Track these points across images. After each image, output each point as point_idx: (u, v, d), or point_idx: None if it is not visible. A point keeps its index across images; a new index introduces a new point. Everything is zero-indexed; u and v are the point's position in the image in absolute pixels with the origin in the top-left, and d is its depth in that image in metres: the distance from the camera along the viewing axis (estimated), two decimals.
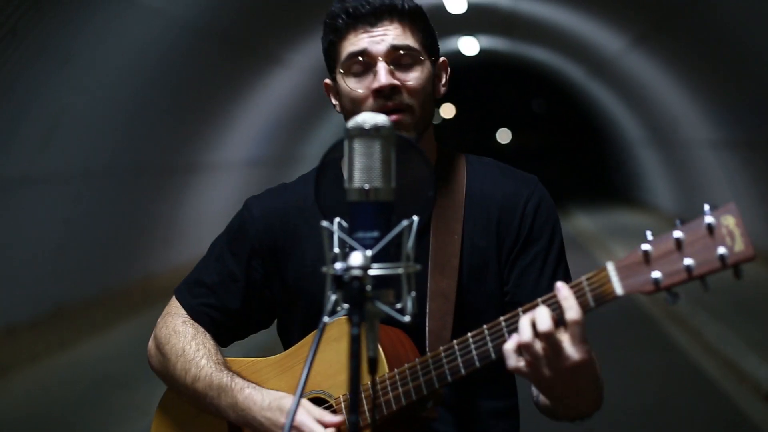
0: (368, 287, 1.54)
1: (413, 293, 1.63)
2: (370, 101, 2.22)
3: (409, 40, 2.23)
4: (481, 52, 22.53)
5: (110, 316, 10.45)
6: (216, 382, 2.24)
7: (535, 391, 2.19)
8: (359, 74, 2.24)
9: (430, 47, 2.29)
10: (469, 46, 21.14)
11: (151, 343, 2.41)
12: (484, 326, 2.02)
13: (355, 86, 2.23)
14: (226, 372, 2.26)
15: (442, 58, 2.34)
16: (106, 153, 10.36)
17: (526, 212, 2.28)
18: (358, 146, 1.62)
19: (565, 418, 2.13)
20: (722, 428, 6.80)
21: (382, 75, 2.20)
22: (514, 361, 1.91)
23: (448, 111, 49.39)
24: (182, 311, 2.39)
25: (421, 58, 2.24)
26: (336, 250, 1.62)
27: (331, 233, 1.63)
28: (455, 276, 2.23)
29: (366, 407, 2.09)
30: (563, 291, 1.90)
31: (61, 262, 9.89)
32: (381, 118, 1.65)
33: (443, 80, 2.34)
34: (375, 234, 1.59)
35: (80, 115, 9.44)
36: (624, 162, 23.46)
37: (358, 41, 2.22)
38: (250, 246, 2.34)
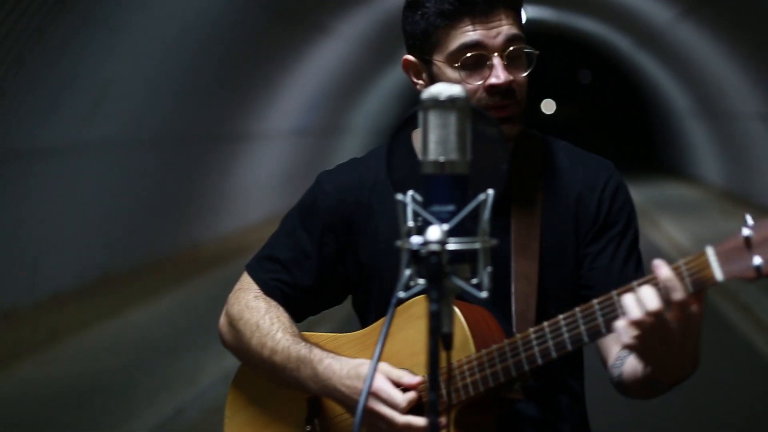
0: (445, 262, 1.51)
1: (489, 268, 1.60)
2: (480, 95, 2.17)
3: (519, 31, 2.17)
4: (527, 22, 22.34)
5: (157, 284, 10.51)
6: (294, 354, 2.22)
7: (616, 371, 2.15)
8: (470, 66, 2.16)
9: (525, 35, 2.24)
10: None
11: (222, 320, 2.37)
12: (576, 309, 1.98)
13: (465, 78, 2.16)
14: (303, 343, 2.23)
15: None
16: (154, 122, 10.39)
17: (604, 196, 2.23)
18: (433, 118, 1.58)
19: (659, 390, 2.11)
20: None
21: (501, 72, 2.14)
22: (626, 338, 1.88)
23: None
24: (254, 286, 2.35)
25: (527, 50, 2.19)
26: (410, 223, 1.59)
27: (406, 207, 1.60)
28: (536, 258, 2.19)
29: (458, 384, 2.07)
30: (663, 271, 1.86)
31: (109, 231, 9.95)
32: (456, 89, 1.61)
33: (530, 67, 2.28)
34: (451, 208, 1.56)
35: (128, 84, 9.47)
36: (671, 134, 23.28)
37: (472, 32, 2.14)
38: (322, 222, 2.30)
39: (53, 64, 7.89)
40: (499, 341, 2.07)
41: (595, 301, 1.97)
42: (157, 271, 10.81)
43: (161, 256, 11.02)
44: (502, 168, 1.71)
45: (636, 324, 1.87)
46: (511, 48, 2.16)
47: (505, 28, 2.15)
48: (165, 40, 9.73)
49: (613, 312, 1.94)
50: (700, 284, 1.86)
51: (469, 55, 2.15)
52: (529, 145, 2.29)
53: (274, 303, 2.32)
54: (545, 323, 2.02)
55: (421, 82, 2.25)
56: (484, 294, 1.57)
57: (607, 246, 2.22)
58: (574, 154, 2.31)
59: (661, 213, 15.92)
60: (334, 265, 2.31)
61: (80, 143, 9.02)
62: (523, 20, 2.24)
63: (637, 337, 1.88)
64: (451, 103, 1.59)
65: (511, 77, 2.16)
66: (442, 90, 1.60)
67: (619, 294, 1.92)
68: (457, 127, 1.58)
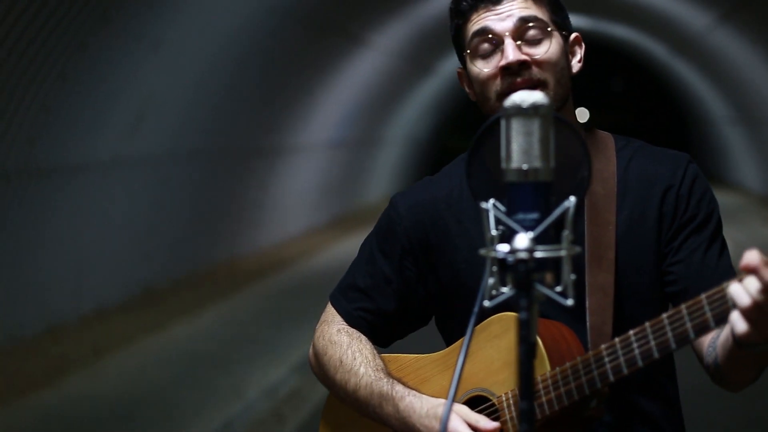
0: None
1: (573, 276, 1.59)
2: (498, 81, 2.16)
3: (536, 12, 2.17)
4: None
5: (199, 297, 10.54)
6: (377, 391, 2.23)
7: (710, 356, 2.10)
8: (486, 55, 2.17)
9: (559, 22, 2.21)
10: None
11: (310, 352, 2.40)
12: (646, 324, 1.95)
13: (482, 66, 2.17)
14: (385, 380, 2.24)
15: (574, 34, 2.26)
16: (194, 136, 10.44)
17: (681, 192, 2.21)
18: (516, 125, 1.58)
19: (749, 376, 2.07)
20: None
21: (510, 51, 2.14)
22: (741, 327, 1.82)
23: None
24: (338, 318, 2.36)
25: (549, 29, 2.16)
26: (493, 232, 1.58)
27: (489, 214, 1.59)
28: (612, 269, 2.16)
29: (537, 402, 2.05)
30: (756, 262, 1.79)
31: (151, 245, 10.00)
32: (538, 96, 1.61)
33: (578, 56, 2.26)
34: (535, 215, 1.55)
35: (169, 99, 9.52)
36: (709, 141, 23.16)
37: (481, 20, 2.17)
38: (400, 245, 2.30)
39: (96, 79, 7.94)
40: (576, 357, 2.05)
41: (664, 315, 1.93)
42: (198, 284, 10.84)
43: (202, 270, 11.06)
44: (583, 174, 1.70)
45: (747, 311, 1.81)
46: (525, 27, 2.16)
47: (515, 11, 2.16)
48: (205, 54, 9.78)
49: (702, 316, 1.90)
50: None
51: (481, 42, 2.17)
52: (598, 147, 2.27)
53: (356, 335, 2.33)
54: (616, 339, 1.99)
55: (469, 90, 2.26)
56: (570, 302, 1.56)
57: (688, 239, 2.19)
58: (648, 152, 2.28)
59: None
60: (415, 288, 2.31)
61: (122, 158, 9.07)
62: (559, 9, 2.23)
63: (749, 324, 1.82)
64: (534, 110, 1.58)
65: (525, 57, 2.15)
66: (525, 97, 1.60)
67: (709, 297, 1.88)
68: (540, 134, 1.58)
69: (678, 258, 2.19)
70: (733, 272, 2.15)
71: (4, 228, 7.55)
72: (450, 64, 20.30)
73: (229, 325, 9.64)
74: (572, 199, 1.60)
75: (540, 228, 1.54)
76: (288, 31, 11.13)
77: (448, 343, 2.30)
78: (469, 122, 33.20)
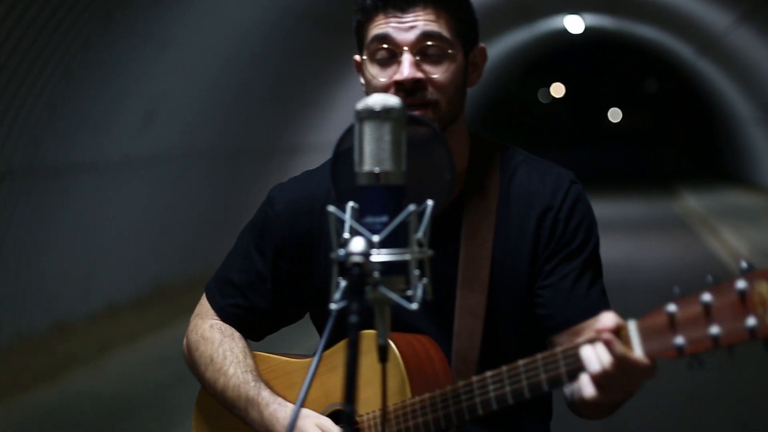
0: (376, 273, 1.51)
1: (425, 280, 1.58)
2: (392, 92, 2.10)
3: (441, 30, 2.10)
4: (587, 30, 22.23)
5: None
6: (244, 395, 2.23)
7: (568, 390, 2.08)
8: (383, 61, 2.12)
9: (465, 36, 2.16)
10: (574, 24, 20.89)
11: (184, 344, 2.40)
12: (503, 368, 1.93)
13: (377, 74, 2.12)
14: (253, 383, 2.23)
15: (480, 46, 2.21)
16: (207, 136, 10.48)
17: (560, 217, 2.16)
18: (368, 129, 1.58)
19: (612, 410, 2.07)
20: None
21: (406, 67, 2.07)
22: (588, 391, 1.84)
23: (557, 90, 48.94)
24: (212, 312, 2.36)
25: (450, 51, 2.11)
26: (347, 235, 1.59)
27: (337, 218, 1.60)
28: (485, 290, 2.13)
29: (393, 429, 2.04)
30: (586, 351, 1.83)
31: (162, 243, 10.05)
32: (392, 100, 1.61)
33: (479, 69, 2.21)
34: (384, 219, 1.55)
35: (180, 98, 9.56)
36: (735, 141, 22.99)
37: (385, 28, 2.10)
38: (274, 244, 2.29)
39: (101, 78, 7.99)
40: (444, 383, 2.03)
41: (521, 361, 1.92)
42: None
43: (214, 269, 11.04)
44: (445, 178, 1.69)
45: (596, 377, 1.82)
46: (426, 44, 2.09)
47: (420, 25, 2.09)
48: (217, 54, 9.82)
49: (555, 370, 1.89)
50: (625, 359, 1.80)
51: (380, 48, 2.11)
52: (484, 160, 2.21)
53: (229, 332, 2.32)
54: (476, 377, 1.97)
55: (363, 82, 2.21)
56: (414, 306, 1.56)
57: (561, 264, 2.15)
58: (533, 167, 2.21)
59: (721, 221, 15.71)
60: (289, 286, 2.29)
61: (133, 157, 9.12)
62: (468, 22, 2.18)
63: (596, 388, 1.84)
64: (386, 113, 1.58)
65: (420, 74, 2.08)
66: (377, 100, 1.60)
67: (564, 351, 1.87)
68: (392, 137, 1.58)
69: (548, 282, 2.15)
70: (601, 303, 2.12)
71: (12, 226, 7.62)
72: None
73: None
74: (429, 202, 1.60)
75: (385, 231, 1.55)
76: (301, 31, 11.16)
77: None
78: (497, 118, 33.16)
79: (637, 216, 17.46)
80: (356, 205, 1.63)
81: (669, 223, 16.31)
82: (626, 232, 15.18)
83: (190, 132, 10.04)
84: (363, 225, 1.57)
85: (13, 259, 7.72)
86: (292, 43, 11.17)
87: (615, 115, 49.89)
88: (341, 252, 1.54)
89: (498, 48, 21.45)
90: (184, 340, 2.40)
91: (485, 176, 2.19)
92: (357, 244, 1.51)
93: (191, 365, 2.36)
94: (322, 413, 2.15)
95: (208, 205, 10.83)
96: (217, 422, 2.36)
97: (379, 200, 1.56)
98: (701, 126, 29.58)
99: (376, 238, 1.54)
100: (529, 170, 2.21)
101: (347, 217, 1.59)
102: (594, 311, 2.05)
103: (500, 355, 2.02)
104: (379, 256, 1.55)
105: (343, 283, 1.56)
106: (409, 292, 1.58)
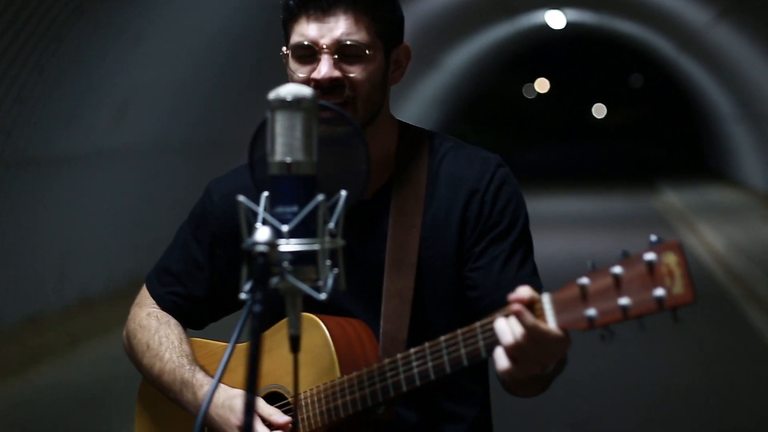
0: (285, 263, 1.52)
1: (336, 270, 1.60)
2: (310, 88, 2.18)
3: (360, 33, 2.17)
4: (569, 25, 22.27)
5: None
6: (179, 378, 2.28)
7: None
8: (304, 58, 2.19)
9: (387, 35, 2.22)
10: (555, 19, 20.93)
11: (123, 333, 2.45)
12: (426, 344, 2.01)
13: (296, 69, 2.19)
14: (188, 367, 2.29)
15: (403, 45, 2.27)
16: (183, 128, 10.48)
17: (486, 199, 2.22)
18: (279, 119, 1.60)
19: (534, 392, 2.13)
20: None
21: (323, 68, 2.15)
22: (502, 363, 1.89)
23: (542, 85, 49.01)
24: (150, 300, 2.41)
25: (368, 52, 2.17)
26: (258, 225, 1.60)
27: (246, 207, 1.61)
28: (413, 274, 2.19)
29: (323, 407, 2.11)
30: (500, 323, 1.89)
31: (138, 236, 10.04)
32: (304, 90, 1.62)
33: (402, 68, 2.28)
34: (295, 209, 1.57)
35: (154, 91, 9.55)
36: (716, 138, 23.07)
37: (306, 29, 2.17)
38: (211, 233, 2.35)
39: (72, 71, 7.98)
40: (373, 364, 2.09)
41: (442, 337, 1.99)
42: None
43: None
44: (360, 169, 1.71)
45: (509, 349, 1.87)
46: (344, 45, 2.16)
47: (339, 28, 2.17)
48: (192, 46, 9.81)
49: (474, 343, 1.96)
50: (535, 329, 1.85)
51: (301, 47, 2.18)
52: (413, 149, 2.27)
53: (165, 320, 2.37)
54: (401, 354, 2.04)
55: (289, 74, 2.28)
56: (322, 296, 1.58)
57: (490, 246, 2.21)
58: (461, 153, 2.28)
59: (700, 218, 15.77)
60: (226, 274, 2.34)
61: (107, 150, 9.11)
62: (390, 22, 2.24)
63: (510, 361, 1.89)
64: (297, 103, 1.60)
65: (337, 73, 2.16)
66: (289, 90, 1.61)
67: (483, 325, 1.93)
68: (303, 128, 1.59)
69: (478, 264, 2.21)
70: (532, 284, 2.11)
71: None
72: (455, 58, 20.30)
73: None
74: (342, 193, 1.61)
75: (295, 221, 1.55)
76: (278, 23, 11.14)
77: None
78: (481, 114, 33.19)
79: (618, 211, 17.51)
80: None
81: (648, 219, 16.35)
82: (606, 227, 15.23)
83: (164, 124, 10.04)
84: (274, 215, 1.58)
85: None
86: (267, 35, 11.16)
87: (599, 110, 50.00)
88: (248, 241, 1.55)
89: (479, 43, 21.48)
90: (124, 329, 2.44)
91: (414, 163, 2.26)
92: (262, 234, 1.52)
93: (130, 353, 2.41)
94: (257, 394, 2.18)
95: (182, 198, 10.82)
96: (158, 411, 2.40)
97: (289, 190, 1.58)
98: (684, 122, 29.68)
99: (285, 228, 1.55)
100: (457, 155, 2.27)
101: (260, 207, 1.60)
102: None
103: (429, 336, 2.06)
104: (288, 246, 1.55)
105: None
106: (320, 283, 1.59)
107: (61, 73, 7.80)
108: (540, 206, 16.82)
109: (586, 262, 1.84)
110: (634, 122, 43.56)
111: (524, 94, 45.56)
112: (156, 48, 9.11)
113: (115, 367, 7.92)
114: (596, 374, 7.20)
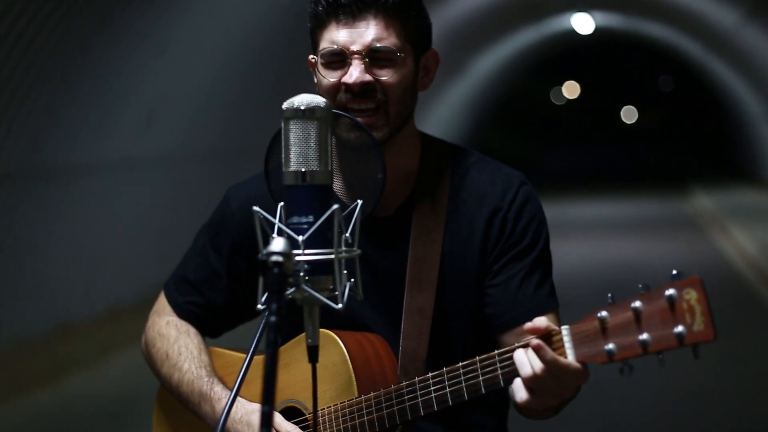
0: (301, 274, 1.49)
1: (352, 280, 1.57)
2: (341, 94, 2.17)
3: (390, 38, 2.16)
4: (597, 30, 22.19)
5: None
6: (197, 390, 2.27)
7: (512, 393, 2.11)
8: (334, 64, 2.18)
9: (416, 41, 2.22)
10: (583, 23, 20.84)
11: (142, 341, 2.44)
12: (444, 370, 2.01)
13: (326, 75, 2.18)
14: (206, 378, 2.28)
15: (432, 50, 2.27)
16: (209, 136, 10.49)
17: (508, 216, 2.21)
18: (293, 128, 1.57)
19: (547, 417, 2.12)
20: None
21: (354, 72, 2.14)
22: (521, 395, 1.92)
23: (572, 90, 48.86)
24: (169, 309, 2.40)
25: (399, 55, 2.17)
26: (275, 235, 1.57)
27: (262, 218, 1.58)
28: (433, 290, 2.17)
29: (341, 426, 2.10)
30: (518, 354, 1.91)
31: (163, 245, 10.04)
32: (317, 99, 1.59)
33: (431, 74, 2.27)
34: (310, 218, 1.54)
35: (181, 99, 9.56)
36: (746, 139, 22.92)
37: (336, 35, 2.17)
38: (230, 242, 2.34)
39: (99, 80, 8.00)
40: (391, 382, 2.09)
41: (460, 363, 1.99)
42: None
43: None
44: (377, 177, 1.69)
45: (527, 380, 1.89)
46: (375, 50, 2.16)
47: (370, 33, 2.16)
48: (217, 54, 9.82)
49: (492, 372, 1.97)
50: (555, 364, 1.86)
51: (331, 53, 2.18)
52: (435, 162, 2.25)
53: (185, 329, 2.36)
54: (419, 378, 2.03)
55: (316, 81, 2.28)
56: (339, 306, 1.55)
57: (509, 264, 2.19)
58: (484, 168, 2.26)
59: (732, 220, 15.65)
60: (244, 283, 2.32)
61: (134, 159, 9.12)
62: (419, 27, 2.23)
63: (528, 393, 1.91)
64: (311, 113, 1.57)
65: (368, 77, 2.14)
66: (303, 100, 1.59)
67: (500, 354, 1.94)
68: (318, 137, 1.56)
69: (496, 281, 2.19)
70: (549, 304, 2.17)
71: (12, 228, 7.63)
72: (483, 64, 20.26)
73: (239, 327, 9.66)
74: (358, 202, 1.59)
75: (310, 231, 1.53)
76: (302, 31, 11.14)
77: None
78: (510, 119, 33.11)
79: (649, 216, 17.42)
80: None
81: (679, 223, 16.26)
82: (637, 232, 15.16)
83: (190, 133, 10.05)
84: (289, 225, 1.56)
85: (13, 262, 7.72)
86: (292, 43, 11.16)
87: (629, 114, 49.79)
88: (264, 252, 1.53)
89: (507, 48, 21.43)
90: (143, 337, 2.44)
91: (436, 177, 2.24)
92: (277, 244, 1.49)
93: (149, 361, 2.41)
94: (275, 409, 2.17)
95: (209, 207, 10.79)
96: (176, 417, 2.40)
97: (304, 200, 1.56)
98: (714, 124, 29.51)
99: (301, 238, 1.52)
100: (480, 171, 2.26)
101: (270, 217, 1.57)
102: (541, 311, 2.10)
103: (448, 353, 2.06)
104: (304, 256, 1.53)
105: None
106: (337, 293, 1.56)
107: (86, 82, 7.81)
108: (570, 211, 16.76)
109: (606, 295, 1.82)
110: (663, 125, 43.36)
111: (552, 99, 45.43)
112: (181, 56, 9.12)
113: (145, 376, 7.90)
114: (625, 377, 7.13)
